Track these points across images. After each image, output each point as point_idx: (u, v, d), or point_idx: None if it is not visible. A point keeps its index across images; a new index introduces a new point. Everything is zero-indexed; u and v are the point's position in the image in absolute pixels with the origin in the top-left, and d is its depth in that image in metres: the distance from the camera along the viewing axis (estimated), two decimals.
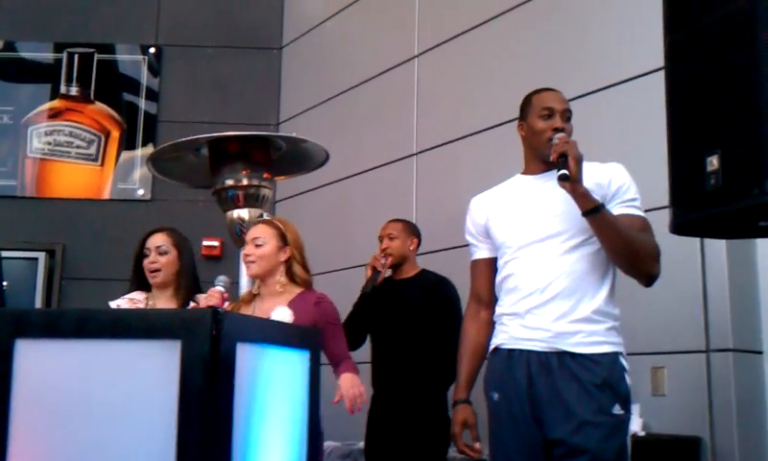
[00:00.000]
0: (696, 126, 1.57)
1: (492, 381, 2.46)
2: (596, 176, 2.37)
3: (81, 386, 1.60)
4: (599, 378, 2.27)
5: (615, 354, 2.34)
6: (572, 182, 2.25)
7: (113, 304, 3.16)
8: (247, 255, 2.95)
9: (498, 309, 2.50)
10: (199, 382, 1.53)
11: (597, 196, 2.30)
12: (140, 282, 3.19)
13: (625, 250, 2.30)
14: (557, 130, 2.41)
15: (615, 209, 2.33)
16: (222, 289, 2.92)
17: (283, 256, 2.94)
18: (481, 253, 2.61)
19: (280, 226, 2.98)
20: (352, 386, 2.75)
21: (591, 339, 2.31)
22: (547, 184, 2.40)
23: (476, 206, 2.63)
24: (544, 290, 2.35)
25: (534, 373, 2.33)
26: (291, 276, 2.95)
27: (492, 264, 2.56)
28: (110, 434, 1.58)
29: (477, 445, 2.51)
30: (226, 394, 1.59)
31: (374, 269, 3.76)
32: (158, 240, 3.16)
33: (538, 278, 2.37)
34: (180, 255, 3.16)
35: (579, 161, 2.25)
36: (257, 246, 2.93)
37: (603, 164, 2.43)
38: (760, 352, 3.35)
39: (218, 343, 1.54)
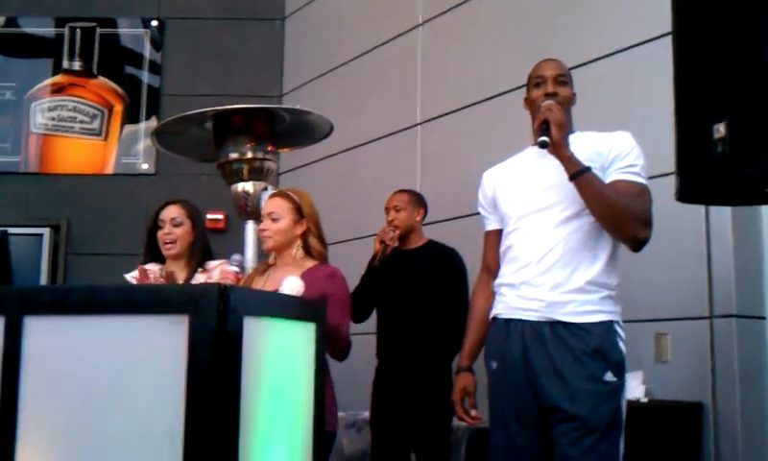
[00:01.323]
0: (703, 93, 1.56)
1: (490, 351, 2.54)
2: (598, 144, 2.42)
3: (89, 362, 1.61)
4: (590, 347, 2.31)
5: (609, 323, 2.37)
6: (555, 148, 2.31)
7: (129, 277, 3.19)
8: (263, 230, 2.94)
9: (498, 279, 2.56)
10: (206, 356, 1.54)
11: (595, 164, 2.34)
12: (153, 254, 3.21)
13: (608, 213, 2.32)
14: (548, 95, 2.45)
15: (612, 175, 2.37)
16: (236, 269, 2.94)
17: (299, 230, 2.93)
18: (491, 224, 2.68)
19: (296, 198, 2.96)
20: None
21: (584, 308, 2.35)
22: (548, 156, 2.40)
23: (487, 179, 2.70)
24: (540, 261, 2.40)
25: (528, 342, 2.38)
26: (307, 248, 2.94)
27: (500, 235, 2.61)
28: (119, 409, 1.60)
29: (473, 412, 2.60)
30: (233, 367, 1.59)
31: (383, 243, 3.76)
32: (173, 212, 3.18)
33: (533, 248, 2.43)
34: (193, 227, 3.19)
35: (561, 127, 2.30)
36: (273, 220, 2.91)
37: (609, 133, 2.45)
38: (763, 318, 3.35)
39: (225, 317, 1.54)
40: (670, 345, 3.42)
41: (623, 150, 2.40)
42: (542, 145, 2.31)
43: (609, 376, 2.31)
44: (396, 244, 3.82)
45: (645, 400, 3.29)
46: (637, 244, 2.36)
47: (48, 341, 1.63)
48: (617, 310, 2.41)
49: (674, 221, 3.13)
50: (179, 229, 3.16)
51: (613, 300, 2.40)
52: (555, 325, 2.36)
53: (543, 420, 2.36)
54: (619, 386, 2.34)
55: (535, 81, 2.53)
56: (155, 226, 3.19)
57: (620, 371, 2.35)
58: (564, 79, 2.51)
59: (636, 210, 2.33)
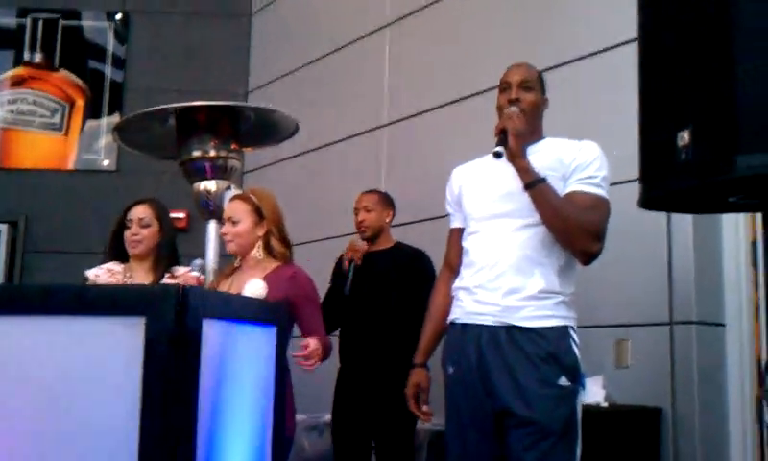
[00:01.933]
0: (668, 99, 1.56)
1: (447, 355, 2.54)
2: (562, 152, 2.44)
3: (43, 363, 1.57)
4: (544, 352, 2.32)
5: (564, 327, 2.37)
6: (511, 157, 2.33)
7: (90, 274, 3.12)
8: (224, 234, 2.92)
9: (456, 283, 2.57)
10: (163, 359, 1.51)
11: (556, 172, 2.37)
12: (117, 253, 3.15)
13: (559, 225, 2.34)
14: (511, 102, 2.46)
15: (571, 186, 2.39)
16: (197, 274, 2.90)
17: (260, 232, 2.90)
18: (456, 222, 2.69)
19: (255, 200, 2.93)
20: (315, 348, 2.73)
21: (539, 313, 2.35)
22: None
23: (455, 176, 2.70)
24: (494, 266, 2.41)
25: (484, 346, 2.39)
26: (269, 250, 2.91)
27: (463, 234, 2.61)
28: (73, 412, 1.56)
29: (425, 407, 2.64)
30: (191, 370, 1.56)
31: (351, 262, 3.71)
32: (141, 212, 3.12)
33: (489, 254, 2.44)
34: (161, 228, 3.14)
35: (519, 136, 2.32)
36: (233, 223, 2.89)
37: (576, 142, 2.46)
38: (723, 325, 3.39)
39: (183, 319, 1.51)
40: (630, 350, 3.44)
41: (585, 160, 2.40)
42: (496, 155, 2.33)
43: (563, 381, 2.32)
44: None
45: (605, 404, 3.30)
46: (586, 257, 2.38)
47: (1, 341, 1.58)
48: (572, 315, 2.42)
49: (636, 227, 3.16)
50: (146, 229, 3.11)
51: (568, 305, 2.41)
52: (511, 329, 2.36)
53: (498, 425, 2.36)
54: (574, 391, 2.35)
55: (501, 86, 2.54)
56: (121, 224, 3.14)
57: (575, 375, 2.36)
58: (529, 84, 2.50)
59: (586, 224, 2.34)
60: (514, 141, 2.31)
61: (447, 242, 2.72)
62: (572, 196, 2.37)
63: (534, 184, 2.31)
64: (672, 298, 3.35)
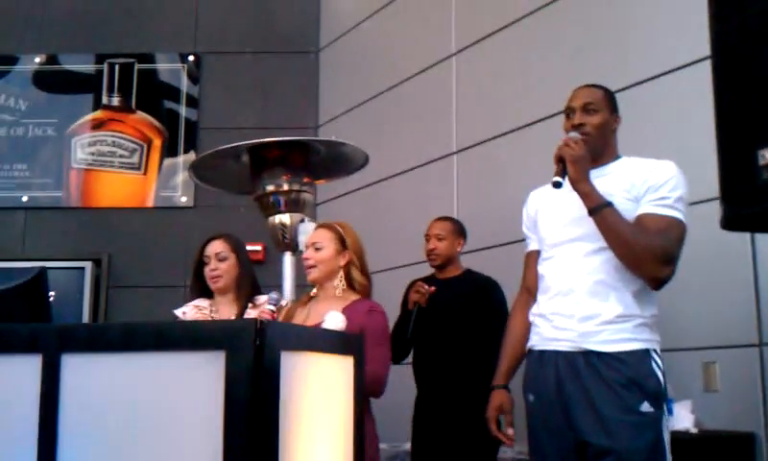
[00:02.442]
0: (746, 118, 1.52)
1: (527, 383, 2.51)
2: (636, 173, 2.39)
3: (127, 399, 1.60)
4: (625, 377, 2.26)
5: (645, 351, 2.30)
6: (573, 183, 2.31)
7: (179, 312, 3.20)
8: (306, 259, 2.94)
9: (533, 310, 2.54)
10: (243, 392, 1.52)
11: (629, 194, 2.33)
12: (202, 289, 3.22)
13: (624, 251, 2.28)
14: (574, 127, 2.44)
15: (642, 208, 2.33)
16: (273, 308, 2.94)
17: (342, 261, 2.92)
18: (532, 244, 2.67)
19: (340, 229, 2.96)
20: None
21: (618, 336, 2.30)
22: None
23: (531, 199, 2.70)
24: (568, 293, 2.38)
25: (562, 374, 2.35)
26: (350, 281, 2.92)
27: (539, 256, 2.60)
28: (157, 447, 1.58)
29: (510, 431, 2.59)
30: (271, 402, 1.57)
31: (416, 304, 3.68)
32: (217, 247, 3.20)
33: (563, 280, 2.41)
34: (238, 260, 3.20)
35: (577, 162, 2.29)
36: (317, 249, 2.91)
37: (652, 161, 2.41)
38: None
39: (262, 352, 1.53)
40: (719, 373, 3.33)
41: (658, 181, 2.33)
42: (556, 185, 2.31)
43: (645, 407, 2.25)
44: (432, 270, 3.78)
45: (695, 430, 3.20)
46: (656, 283, 2.31)
47: (86, 379, 1.62)
48: (654, 338, 2.35)
49: (720, 247, 3.07)
50: (224, 263, 3.17)
51: (649, 327, 2.34)
52: (588, 354, 2.31)
53: (582, 456, 2.30)
54: (658, 417, 2.27)
55: (566, 111, 2.52)
56: (200, 261, 3.21)
57: (658, 400, 2.28)
58: (593, 106, 2.46)
59: (654, 249, 2.26)
60: (572, 168, 2.30)
61: (524, 265, 2.70)
62: (643, 218, 2.31)
63: (597, 210, 2.28)
64: (760, 318, 3.24)
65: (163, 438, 1.58)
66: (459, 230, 3.88)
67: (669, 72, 3.70)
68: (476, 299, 3.69)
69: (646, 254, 2.26)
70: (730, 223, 1.66)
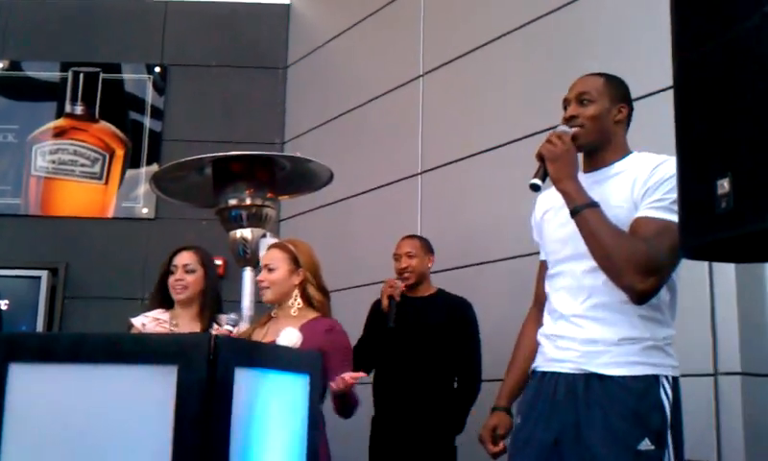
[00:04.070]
0: (706, 148, 1.53)
1: (520, 404, 2.32)
2: (638, 172, 2.16)
3: (75, 411, 1.57)
4: (627, 409, 2.03)
5: (653, 378, 2.07)
6: (555, 183, 2.12)
7: (137, 322, 3.14)
8: (260, 281, 2.95)
9: (541, 330, 2.33)
10: (195, 407, 1.50)
11: (629, 199, 2.11)
12: (162, 300, 3.18)
13: (601, 258, 2.06)
14: (566, 120, 2.24)
15: (639, 211, 2.10)
16: (230, 328, 2.91)
17: (296, 280, 2.91)
18: (543, 254, 2.42)
19: (292, 248, 2.95)
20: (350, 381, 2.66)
21: (623, 359, 2.08)
22: (593, 188, 2.16)
23: (538, 204, 2.44)
24: (570, 316, 2.18)
25: (559, 398, 2.14)
26: (307, 299, 2.91)
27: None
28: (105, 459, 1.55)
29: (502, 444, 2.35)
30: (222, 419, 1.55)
31: (391, 298, 3.67)
32: (186, 258, 3.16)
33: (565, 301, 2.21)
34: (206, 274, 3.17)
35: (556, 159, 2.11)
36: (269, 271, 2.91)
37: (656, 159, 2.18)
38: None
39: (215, 368, 1.51)
40: None
41: (656, 181, 2.10)
42: (533, 188, 2.14)
43: (645, 445, 2.01)
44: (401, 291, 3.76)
45: None
46: (635, 295, 2.05)
47: (33, 389, 1.59)
48: (667, 363, 2.11)
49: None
50: (191, 276, 3.14)
51: (662, 350, 2.12)
52: (590, 378, 2.09)
53: None
54: (658, 457, 2.02)
55: (564, 103, 2.30)
56: (167, 271, 3.17)
57: (662, 437, 2.03)
58: (588, 96, 2.24)
59: (635, 257, 2.01)
60: (551, 167, 2.10)
61: (536, 277, 2.49)
62: (635, 223, 2.08)
63: (577, 211, 2.06)
64: (716, 348, 3.27)
65: (111, 452, 1.55)
66: (428, 247, 3.88)
67: (642, 98, 3.73)
68: (451, 317, 3.68)
69: (624, 262, 2.01)
70: (688, 251, 1.66)
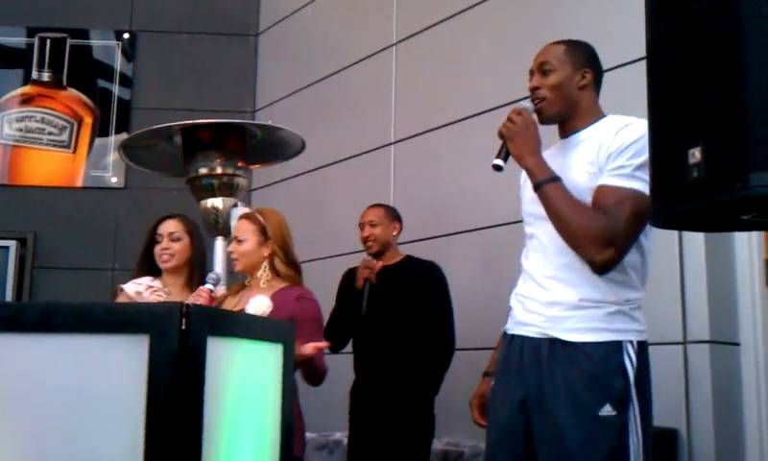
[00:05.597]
0: (678, 118, 1.54)
1: (495, 365, 2.34)
2: (604, 139, 2.14)
3: (45, 382, 1.55)
4: (588, 375, 2.04)
5: (616, 343, 2.07)
6: (516, 160, 2.14)
7: (130, 290, 3.08)
8: (231, 252, 2.94)
9: (514, 290, 2.34)
10: (167, 377, 1.49)
11: (593, 166, 2.11)
12: (150, 268, 3.14)
13: (562, 231, 2.09)
14: (531, 91, 2.25)
15: (602, 179, 2.10)
16: (211, 287, 2.90)
17: (266, 252, 2.90)
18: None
19: (261, 219, 2.94)
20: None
21: (585, 325, 2.08)
22: (557, 156, 2.20)
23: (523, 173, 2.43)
24: (539, 275, 2.19)
25: (526, 362, 2.15)
26: (274, 270, 2.90)
27: None
28: (75, 433, 1.53)
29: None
30: (195, 388, 1.54)
31: (366, 280, 3.67)
32: (171, 227, 3.13)
33: (533, 262, 2.22)
34: (192, 242, 3.14)
35: (515, 137, 2.13)
36: (239, 242, 2.90)
37: (622, 123, 2.16)
38: (737, 344, 3.35)
39: (187, 337, 1.49)
40: None
41: (618, 146, 2.08)
42: (495, 168, 2.16)
43: (606, 410, 2.02)
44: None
45: None
46: (596, 267, 2.06)
47: (2, 359, 1.56)
48: (631, 328, 2.11)
49: None
50: (177, 243, 3.11)
51: (627, 315, 2.11)
52: (554, 343, 2.10)
53: (530, 453, 2.12)
54: (620, 422, 2.02)
55: (530, 75, 2.28)
56: (151, 240, 3.13)
57: (624, 403, 2.03)
58: (549, 66, 2.22)
59: (591, 229, 2.03)
60: (512, 145, 2.13)
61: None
62: (596, 192, 2.08)
63: (539, 186, 2.09)
64: (686, 317, 3.31)
65: (82, 423, 1.53)
66: (393, 215, 3.87)
67: (613, 68, 3.73)
68: (419, 282, 3.69)
69: (582, 235, 2.03)
70: (659, 220, 1.67)
